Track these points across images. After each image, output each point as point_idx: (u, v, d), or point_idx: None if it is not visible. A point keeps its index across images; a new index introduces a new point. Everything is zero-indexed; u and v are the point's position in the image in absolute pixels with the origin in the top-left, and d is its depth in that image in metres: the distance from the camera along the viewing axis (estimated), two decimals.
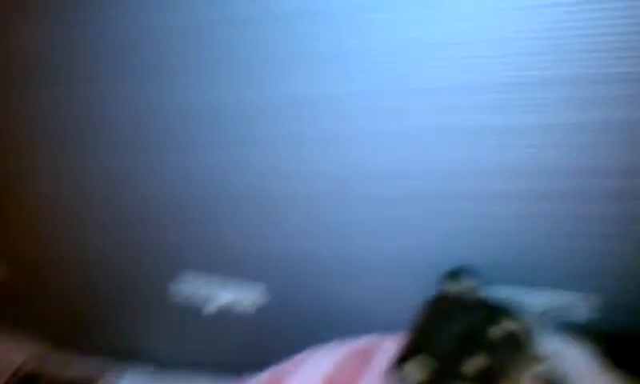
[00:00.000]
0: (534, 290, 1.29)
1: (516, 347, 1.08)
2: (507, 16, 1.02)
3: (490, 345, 1.07)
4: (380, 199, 1.28)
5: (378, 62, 1.12)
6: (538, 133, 1.11)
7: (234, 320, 1.62)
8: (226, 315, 1.62)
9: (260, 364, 1.35)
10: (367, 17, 1.09)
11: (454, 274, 1.23)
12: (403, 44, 1.09)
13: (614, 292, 1.23)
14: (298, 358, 1.33)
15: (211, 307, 1.63)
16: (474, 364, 1.06)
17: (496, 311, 1.15)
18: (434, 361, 1.10)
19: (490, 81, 1.08)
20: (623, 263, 1.19)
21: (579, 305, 1.28)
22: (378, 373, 1.19)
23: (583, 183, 1.13)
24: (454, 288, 1.21)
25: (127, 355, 1.91)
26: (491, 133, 1.13)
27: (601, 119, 1.06)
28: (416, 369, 1.10)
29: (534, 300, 1.29)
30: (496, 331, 1.08)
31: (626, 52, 0.99)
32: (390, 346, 1.26)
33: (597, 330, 1.18)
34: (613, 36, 0.99)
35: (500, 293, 1.26)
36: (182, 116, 1.32)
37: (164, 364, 1.87)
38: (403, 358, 1.11)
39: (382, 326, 1.35)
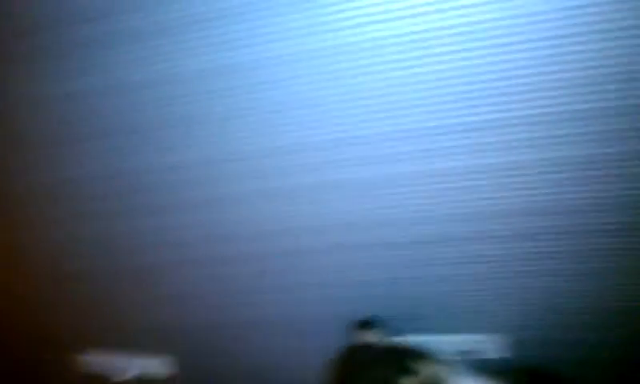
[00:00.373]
0: (445, 335, 1.29)
1: None
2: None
3: None
4: (282, 254, 1.28)
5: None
6: (433, 178, 1.14)
7: None
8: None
9: None
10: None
11: (364, 325, 1.22)
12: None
13: (523, 330, 1.25)
14: None
15: (120, 380, 1.59)
16: None
17: (409, 358, 1.12)
18: None
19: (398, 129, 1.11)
20: (531, 301, 1.22)
21: (490, 345, 1.27)
22: None
23: (487, 225, 1.16)
24: (364, 339, 1.20)
25: None
26: (385, 182, 1.16)
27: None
28: None
29: (445, 344, 1.28)
30: (410, 380, 1.06)
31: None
32: None
33: (509, 367, 1.20)
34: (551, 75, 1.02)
35: (412, 341, 1.25)
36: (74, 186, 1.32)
37: None
38: None
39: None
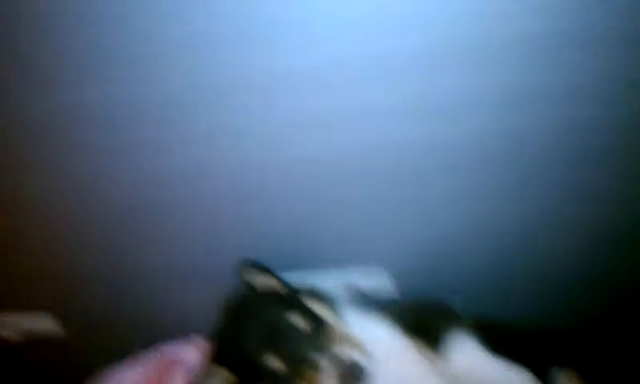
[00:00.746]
0: (334, 271, 1.28)
1: (318, 333, 1.04)
2: None
3: (293, 334, 1.03)
4: (171, 204, 1.22)
5: None
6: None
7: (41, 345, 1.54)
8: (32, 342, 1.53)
9: None
10: None
11: (252, 267, 1.17)
12: None
13: (413, 267, 1.25)
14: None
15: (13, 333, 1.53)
16: (276, 360, 1.02)
17: (298, 297, 1.12)
18: (234, 371, 1.06)
19: None
20: (416, 235, 1.22)
21: (377, 279, 1.28)
22: None
23: (375, 160, 1.12)
24: (254, 281, 1.16)
25: None
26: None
27: None
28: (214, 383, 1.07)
29: (334, 281, 1.28)
30: (297, 319, 1.05)
31: None
32: (190, 357, 1.23)
33: (398, 305, 1.18)
34: None
35: (299, 279, 1.22)
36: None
37: None
38: (200, 375, 1.08)
39: (187, 331, 1.33)
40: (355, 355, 1.00)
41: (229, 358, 1.08)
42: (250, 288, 1.16)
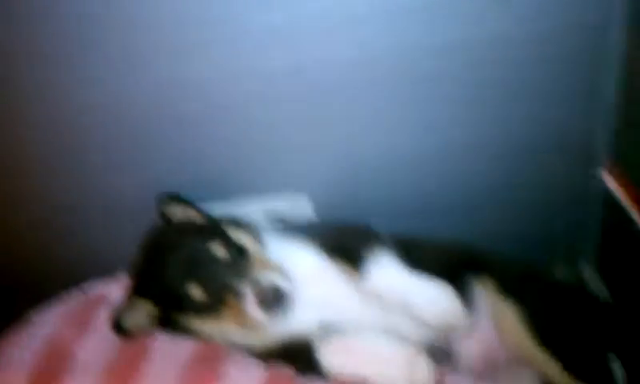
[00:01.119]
0: (255, 199, 1.28)
1: (239, 260, 1.06)
2: None
3: (214, 263, 1.04)
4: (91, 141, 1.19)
5: None
6: None
7: None
8: None
9: None
10: None
11: (171, 199, 1.16)
12: None
13: (333, 192, 1.27)
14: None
15: None
16: (198, 289, 1.03)
17: (219, 226, 1.13)
18: (156, 302, 1.08)
19: None
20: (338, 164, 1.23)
21: (297, 206, 1.29)
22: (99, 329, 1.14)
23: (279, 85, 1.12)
24: (173, 214, 1.16)
25: None
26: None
27: None
28: (134, 315, 1.07)
29: (255, 209, 1.28)
30: (217, 248, 1.06)
31: None
32: (115, 294, 1.22)
33: (319, 229, 1.19)
34: None
35: (221, 209, 1.24)
36: None
37: None
38: (120, 309, 1.07)
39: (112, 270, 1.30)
40: (276, 279, 1.02)
41: (150, 290, 1.08)
42: (169, 220, 1.16)
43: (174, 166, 1.23)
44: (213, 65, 1.09)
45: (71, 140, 1.18)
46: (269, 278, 1.02)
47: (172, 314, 1.09)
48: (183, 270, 1.04)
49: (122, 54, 1.07)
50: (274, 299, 1.00)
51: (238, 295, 1.01)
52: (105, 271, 1.29)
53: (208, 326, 1.09)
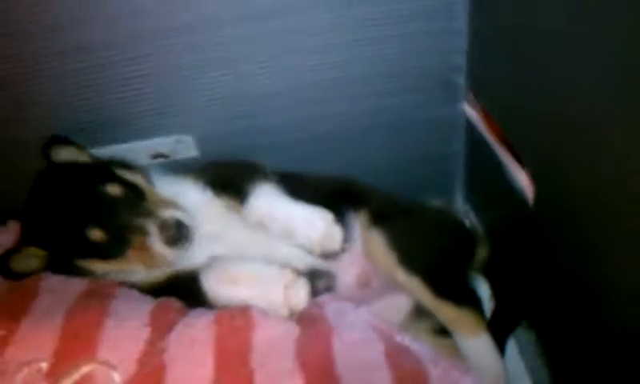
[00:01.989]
0: (141, 143, 1.29)
1: (137, 200, 1.08)
2: None
3: (113, 204, 1.06)
4: None
5: None
6: None
7: None
8: None
9: None
10: None
11: (53, 142, 1.16)
12: None
13: (218, 132, 1.30)
14: None
15: None
16: (99, 231, 1.04)
17: (110, 168, 1.14)
18: (49, 249, 1.08)
19: None
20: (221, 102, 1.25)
21: (180, 145, 1.31)
22: None
23: None
24: (58, 157, 1.15)
25: None
26: None
27: None
28: (24, 260, 1.08)
29: (136, 151, 1.29)
30: (114, 189, 1.07)
31: None
32: (5, 241, 1.20)
33: (205, 168, 1.23)
34: None
35: (109, 153, 1.24)
36: None
37: None
38: (8, 253, 1.07)
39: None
40: (178, 215, 1.06)
41: (43, 237, 1.09)
42: (57, 163, 1.15)
43: (60, 111, 1.22)
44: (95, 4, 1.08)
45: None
46: (171, 214, 1.05)
47: (68, 258, 1.10)
48: (81, 214, 1.05)
49: None
50: (179, 234, 1.04)
51: (142, 234, 1.04)
52: None
53: (108, 267, 1.10)
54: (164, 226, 1.03)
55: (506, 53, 1.06)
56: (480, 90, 1.22)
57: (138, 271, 1.12)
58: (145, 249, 1.05)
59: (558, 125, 0.92)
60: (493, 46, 1.12)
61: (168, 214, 1.05)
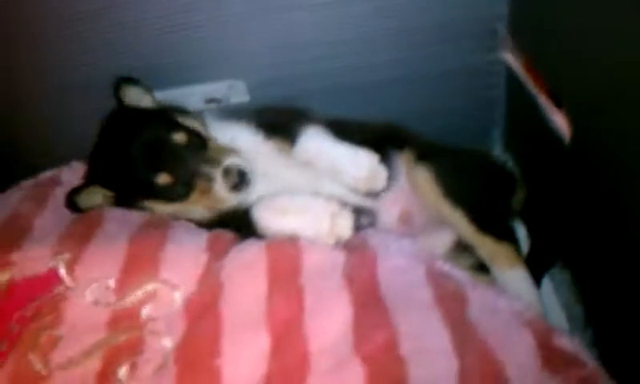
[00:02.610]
0: (192, 86, 1.36)
1: (200, 147, 1.15)
2: None
3: (179, 151, 1.13)
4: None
5: None
6: None
7: None
8: None
9: None
10: None
11: (123, 82, 1.22)
12: None
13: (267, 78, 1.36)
14: None
15: None
16: (168, 178, 1.13)
17: (170, 115, 1.21)
18: (117, 191, 1.18)
19: None
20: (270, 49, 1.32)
21: (232, 90, 1.38)
22: (55, 205, 1.21)
23: None
24: (126, 96, 1.23)
25: None
26: None
27: None
28: (89, 197, 1.17)
29: (191, 96, 1.36)
30: (180, 136, 1.14)
31: None
32: (70, 179, 1.29)
33: (256, 113, 1.28)
34: None
35: (161, 96, 1.30)
36: None
37: None
38: (76, 189, 1.16)
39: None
40: (239, 162, 1.13)
41: (109, 177, 1.17)
42: (125, 108, 1.22)
43: (121, 56, 1.30)
44: None
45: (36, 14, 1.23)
46: (233, 161, 1.13)
47: (134, 198, 1.19)
48: (151, 160, 1.13)
49: None
50: (241, 180, 1.12)
51: (208, 180, 1.12)
52: (60, 158, 1.37)
53: (173, 208, 1.19)
54: (227, 172, 1.11)
55: (546, 1, 1.10)
56: (520, 37, 1.25)
57: (197, 210, 1.20)
58: (208, 193, 1.13)
59: (598, 69, 0.95)
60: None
61: (231, 161, 1.13)
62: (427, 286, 0.95)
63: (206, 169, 1.12)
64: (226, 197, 1.13)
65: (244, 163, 1.14)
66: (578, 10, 0.98)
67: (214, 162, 1.13)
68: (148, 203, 1.19)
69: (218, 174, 1.11)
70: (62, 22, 1.23)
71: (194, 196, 1.16)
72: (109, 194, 1.19)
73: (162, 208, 1.19)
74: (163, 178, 1.13)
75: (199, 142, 1.16)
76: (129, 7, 1.22)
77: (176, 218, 1.20)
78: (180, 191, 1.15)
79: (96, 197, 1.18)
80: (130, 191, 1.18)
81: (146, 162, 1.13)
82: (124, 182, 1.17)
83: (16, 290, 1.03)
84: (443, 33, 1.30)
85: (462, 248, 1.21)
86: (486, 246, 1.15)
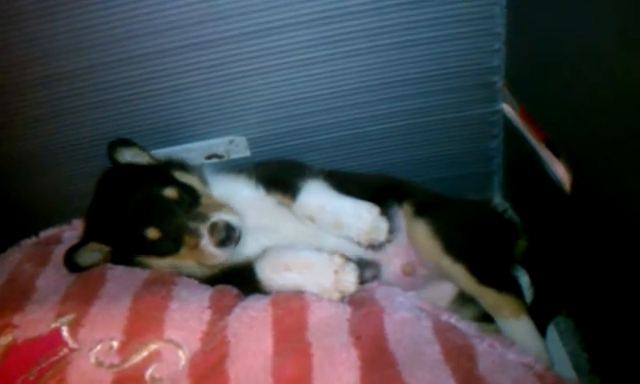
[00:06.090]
0: (196, 143, 1.38)
1: (191, 202, 1.16)
2: None
3: (169, 206, 1.14)
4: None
5: None
6: None
7: None
8: None
9: None
10: None
11: (118, 144, 1.25)
12: None
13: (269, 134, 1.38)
14: None
15: None
16: (156, 232, 1.12)
17: (164, 171, 1.22)
18: (111, 244, 1.18)
19: None
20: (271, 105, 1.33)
21: (232, 146, 1.39)
22: (57, 265, 1.20)
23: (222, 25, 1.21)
24: (121, 157, 1.25)
25: None
26: None
27: None
28: (87, 254, 1.17)
29: (192, 152, 1.38)
30: (171, 191, 1.15)
31: None
32: (70, 236, 1.30)
33: (257, 167, 1.30)
34: None
35: (163, 153, 1.32)
36: None
37: None
38: (74, 248, 1.16)
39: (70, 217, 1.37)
40: (228, 218, 1.13)
41: (105, 234, 1.17)
42: (120, 164, 1.24)
43: (121, 114, 1.31)
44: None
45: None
46: (222, 217, 1.12)
47: (128, 253, 1.18)
48: (141, 215, 1.13)
49: None
50: (228, 236, 1.11)
51: (195, 235, 1.11)
52: (60, 219, 1.36)
53: (164, 263, 1.18)
54: (214, 228, 1.10)
55: (541, 53, 1.12)
56: (517, 88, 1.27)
57: (192, 266, 1.19)
58: (197, 248, 1.12)
59: (596, 117, 0.96)
60: (528, 47, 1.18)
61: (218, 217, 1.12)
62: (435, 341, 0.95)
63: (193, 224, 1.12)
64: (213, 252, 1.12)
65: (233, 218, 1.13)
66: (574, 60, 0.99)
67: (203, 217, 1.12)
68: (142, 259, 1.19)
69: (204, 230, 1.11)
70: (61, 78, 1.25)
71: (184, 251, 1.15)
72: (106, 249, 1.18)
73: (157, 263, 1.19)
74: (152, 233, 1.12)
75: (191, 198, 1.17)
76: (130, 66, 1.24)
77: (178, 273, 1.19)
78: (169, 246, 1.15)
79: (95, 254, 1.18)
80: (124, 246, 1.18)
81: (135, 215, 1.13)
82: (117, 236, 1.16)
83: (18, 353, 1.02)
84: (442, 84, 1.32)
85: (465, 298, 1.21)
86: (489, 298, 1.15)
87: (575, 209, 1.10)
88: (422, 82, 1.31)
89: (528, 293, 1.25)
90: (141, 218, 1.13)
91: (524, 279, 1.29)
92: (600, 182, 1.00)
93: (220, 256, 1.13)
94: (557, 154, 1.13)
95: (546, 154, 1.17)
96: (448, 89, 1.32)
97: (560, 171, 1.12)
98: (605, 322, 1.10)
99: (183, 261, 1.17)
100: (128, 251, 1.18)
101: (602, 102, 0.93)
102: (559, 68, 1.06)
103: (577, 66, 0.99)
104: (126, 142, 1.25)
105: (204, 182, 1.25)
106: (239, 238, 1.13)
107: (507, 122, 1.34)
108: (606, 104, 0.92)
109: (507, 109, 1.32)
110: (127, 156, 1.25)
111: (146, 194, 1.15)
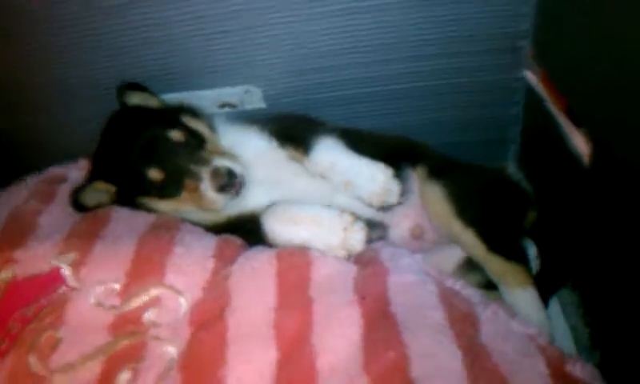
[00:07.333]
0: (210, 91, 1.35)
1: (196, 147, 1.14)
2: None
3: (173, 148, 1.13)
4: None
5: None
6: None
7: None
8: None
9: None
10: None
11: (127, 88, 1.24)
12: None
13: (284, 86, 1.35)
14: None
15: None
16: (158, 172, 1.12)
17: (176, 115, 1.20)
18: (115, 184, 1.17)
19: None
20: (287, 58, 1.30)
21: (247, 96, 1.37)
22: (61, 203, 1.20)
23: None
24: (130, 101, 1.24)
25: None
26: None
27: None
28: (93, 194, 1.16)
29: (206, 99, 1.35)
30: (176, 134, 1.13)
31: None
32: (75, 175, 1.30)
33: (270, 119, 1.27)
34: None
35: (176, 99, 1.30)
36: None
37: None
38: (80, 187, 1.16)
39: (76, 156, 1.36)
40: (230, 164, 1.11)
41: (110, 173, 1.17)
42: (128, 107, 1.23)
43: (136, 58, 1.29)
44: None
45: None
46: (224, 163, 1.11)
47: (131, 194, 1.17)
48: (144, 154, 1.12)
49: None
50: (229, 183, 1.10)
51: (196, 179, 1.10)
52: (66, 157, 1.36)
53: (166, 206, 1.18)
54: (215, 173, 1.09)
55: (571, 19, 1.09)
56: (542, 55, 1.24)
57: (194, 211, 1.18)
58: (197, 192, 1.11)
59: (622, 91, 0.93)
60: (558, 12, 1.14)
61: (222, 163, 1.11)
62: (439, 306, 0.93)
63: (195, 168, 1.11)
64: (213, 198, 1.11)
65: (236, 166, 1.12)
66: (604, 31, 0.96)
67: (205, 162, 1.11)
68: (144, 200, 1.18)
69: (205, 174, 1.10)
70: (78, 19, 1.22)
71: (185, 195, 1.14)
72: (112, 189, 1.17)
73: (160, 206, 1.18)
74: (154, 173, 1.12)
75: (197, 142, 1.15)
76: (150, 7, 1.21)
77: (183, 219, 1.18)
78: (171, 188, 1.14)
79: (101, 194, 1.17)
80: (128, 186, 1.17)
81: (139, 155, 1.12)
82: (122, 176, 1.16)
83: (18, 289, 1.02)
84: (466, 46, 1.28)
85: (471, 264, 1.19)
86: (496, 266, 1.14)
87: (593, 182, 1.07)
88: (445, 42, 1.27)
89: (534, 264, 1.24)
90: (144, 157, 1.12)
91: (531, 250, 1.27)
92: (621, 155, 0.97)
93: (219, 202, 1.12)
94: (578, 124, 1.10)
95: (566, 125, 1.13)
96: (471, 52, 1.29)
97: (579, 143, 1.09)
98: (610, 298, 1.08)
99: (185, 205, 1.17)
100: (132, 192, 1.18)
101: (631, 73, 0.89)
102: (588, 36, 1.02)
103: (607, 35, 0.95)
104: (136, 86, 1.24)
105: (213, 129, 1.24)
106: (241, 186, 1.12)
107: (529, 90, 1.31)
108: (635, 79, 0.88)
109: (530, 76, 1.28)
110: (136, 100, 1.24)
111: (152, 134, 1.14)
